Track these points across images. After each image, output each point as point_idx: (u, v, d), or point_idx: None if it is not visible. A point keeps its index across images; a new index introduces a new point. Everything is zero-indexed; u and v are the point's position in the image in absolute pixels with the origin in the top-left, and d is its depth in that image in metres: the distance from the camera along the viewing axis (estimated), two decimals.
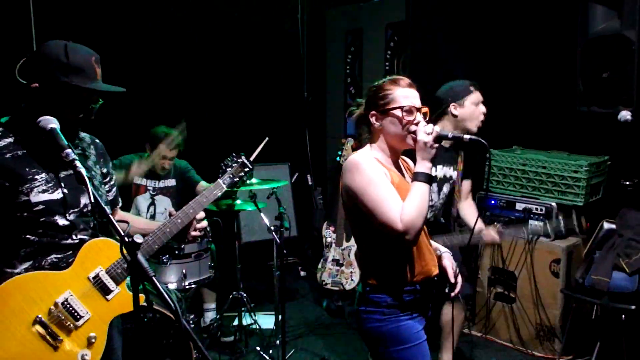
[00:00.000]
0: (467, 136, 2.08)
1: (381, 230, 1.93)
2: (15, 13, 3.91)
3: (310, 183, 5.74)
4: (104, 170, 2.12)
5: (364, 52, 5.17)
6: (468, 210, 3.26)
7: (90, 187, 1.58)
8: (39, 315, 1.82)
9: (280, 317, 3.59)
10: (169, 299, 1.48)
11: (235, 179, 2.30)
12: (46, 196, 1.87)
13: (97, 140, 2.15)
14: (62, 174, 1.92)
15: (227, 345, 3.86)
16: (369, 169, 1.96)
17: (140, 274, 1.50)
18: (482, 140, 2.03)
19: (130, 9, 4.58)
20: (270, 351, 3.74)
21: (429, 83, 3.15)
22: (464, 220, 3.28)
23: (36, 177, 1.86)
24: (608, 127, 3.33)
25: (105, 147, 2.19)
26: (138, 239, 1.51)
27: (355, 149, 4.57)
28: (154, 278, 1.50)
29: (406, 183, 2.06)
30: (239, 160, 2.32)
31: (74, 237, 1.93)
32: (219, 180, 2.27)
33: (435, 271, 2.13)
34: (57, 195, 1.89)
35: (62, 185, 1.91)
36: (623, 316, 3.23)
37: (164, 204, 3.87)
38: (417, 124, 2.01)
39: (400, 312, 2.02)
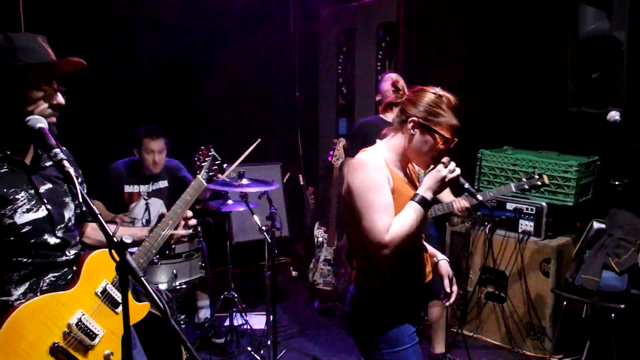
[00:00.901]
0: (480, 197, 2.11)
1: (362, 235, 1.91)
2: (5, 14, 3.88)
3: (302, 183, 5.74)
4: (79, 180, 2.01)
5: (355, 52, 5.17)
6: (444, 194, 3.31)
7: (79, 187, 1.56)
8: (56, 342, 1.75)
9: (271, 317, 3.58)
10: (157, 300, 1.47)
11: (210, 174, 2.33)
12: (31, 215, 1.78)
13: (64, 148, 2.00)
14: (42, 189, 1.84)
15: (219, 346, 3.85)
16: (372, 173, 1.92)
17: (129, 274, 1.49)
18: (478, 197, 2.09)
19: (119, 8, 4.56)
20: (262, 351, 3.74)
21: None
22: (439, 199, 3.35)
23: (17, 196, 1.76)
24: (598, 128, 3.35)
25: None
26: (127, 239, 1.50)
27: (347, 149, 4.59)
28: (143, 279, 1.49)
29: (408, 188, 2.03)
30: (210, 154, 2.34)
31: (67, 253, 1.88)
32: (198, 176, 2.29)
33: (429, 276, 2.12)
34: (42, 212, 1.81)
35: (45, 201, 1.83)
36: (613, 315, 3.25)
37: (157, 206, 3.85)
38: (447, 162, 1.97)
39: (394, 315, 2.01)
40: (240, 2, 5.28)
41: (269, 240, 3.52)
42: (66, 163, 1.60)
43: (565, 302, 3.54)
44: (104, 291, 1.89)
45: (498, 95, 4.29)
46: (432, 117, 1.96)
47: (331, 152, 4.70)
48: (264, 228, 3.52)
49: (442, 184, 1.95)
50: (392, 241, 1.86)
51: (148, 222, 3.84)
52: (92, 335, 1.83)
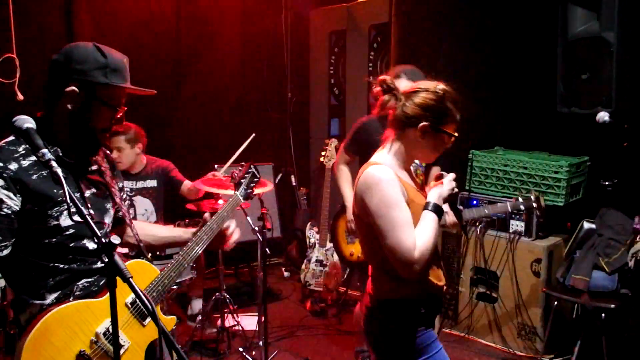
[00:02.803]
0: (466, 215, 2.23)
1: (388, 254, 1.86)
2: None
3: (294, 183, 5.73)
4: (120, 185, 2.03)
5: (347, 53, 5.18)
6: None
7: (66, 187, 1.54)
8: (82, 350, 1.71)
9: (263, 318, 3.57)
10: (146, 301, 1.46)
11: (249, 191, 2.32)
12: (76, 219, 1.72)
13: (108, 152, 2.05)
14: (87, 193, 1.84)
15: (210, 346, 3.84)
16: (389, 189, 1.86)
17: (117, 275, 1.48)
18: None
19: (112, 6, 4.55)
20: (253, 352, 3.73)
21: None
22: None
23: (63, 198, 1.73)
24: (588, 128, 3.37)
25: None
26: (115, 240, 1.49)
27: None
28: (130, 279, 1.48)
29: (419, 195, 2.00)
30: (250, 171, 2.34)
31: (103, 259, 1.87)
32: (236, 192, 2.27)
33: (444, 283, 2.07)
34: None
35: (89, 205, 1.82)
36: (603, 315, 3.27)
37: (144, 205, 3.83)
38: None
39: (418, 323, 1.97)
40: (231, 3, 5.27)
41: (261, 241, 3.51)
42: (54, 163, 1.59)
43: (556, 302, 3.56)
44: (134, 302, 1.85)
45: (489, 96, 4.30)
46: (440, 119, 1.93)
47: (323, 153, 4.70)
48: (255, 229, 3.50)
49: (449, 196, 1.98)
50: (422, 257, 1.83)
51: (134, 219, 3.81)
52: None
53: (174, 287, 3.56)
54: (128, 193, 3.79)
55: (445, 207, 2.46)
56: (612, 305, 3.26)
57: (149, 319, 1.86)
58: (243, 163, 2.35)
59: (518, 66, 4.19)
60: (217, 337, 3.83)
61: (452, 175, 2.03)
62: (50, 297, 1.76)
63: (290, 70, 5.79)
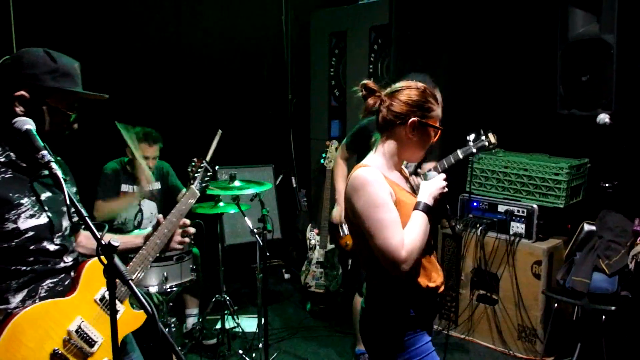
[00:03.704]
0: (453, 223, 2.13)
1: (377, 254, 1.87)
2: None
3: (294, 185, 5.73)
4: (74, 190, 2.04)
5: (348, 55, 5.17)
6: None
7: (66, 189, 1.55)
8: (56, 348, 1.74)
9: (263, 320, 3.57)
10: (145, 303, 1.46)
11: (204, 184, 2.35)
12: (34, 221, 1.78)
13: (59, 158, 2.01)
14: (43, 197, 1.84)
15: (210, 349, 3.84)
16: (375, 191, 1.88)
17: (117, 277, 1.48)
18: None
19: (110, 9, 4.55)
20: (253, 354, 3.73)
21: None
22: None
23: (21, 201, 1.76)
24: (588, 130, 3.37)
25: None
26: (115, 242, 1.49)
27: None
28: (130, 282, 1.48)
29: (408, 196, 2.01)
30: (202, 166, 2.36)
31: (65, 259, 1.88)
32: (192, 187, 2.30)
33: (442, 286, 2.07)
34: (44, 219, 1.81)
35: (46, 208, 1.83)
36: (603, 317, 3.27)
37: (150, 208, 3.84)
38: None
39: (411, 327, 1.97)
40: (232, 4, 5.28)
41: (261, 243, 3.51)
42: (54, 165, 1.60)
43: (556, 304, 3.56)
44: (103, 298, 1.88)
45: (489, 98, 4.31)
46: (426, 112, 1.97)
47: (324, 155, 4.71)
48: (255, 230, 3.51)
49: (440, 196, 1.98)
50: (410, 256, 1.84)
51: (140, 224, 3.82)
52: (91, 342, 1.82)
53: (175, 288, 3.56)
54: (139, 198, 3.79)
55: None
56: (613, 308, 3.25)
57: (119, 314, 1.89)
58: (195, 159, 2.38)
59: (518, 68, 4.19)
60: (217, 339, 3.83)
61: (442, 175, 2.04)
62: (15, 301, 1.76)
63: (291, 71, 5.79)
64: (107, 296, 1.88)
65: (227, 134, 5.28)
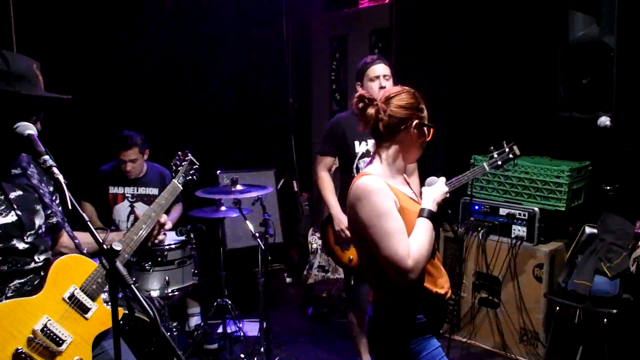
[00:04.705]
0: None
1: (383, 263, 1.86)
2: None
3: (296, 189, 5.73)
4: (50, 189, 2.02)
5: (348, 59, 5.19)
6: (414, 187, 3.26)
7: (68, 194, 1.55)
8: (19, 348, 1.73)
9: (265, 324, 3.57)
10: (147, 307, 1.46)
11: (188, 177, 2.32)
12: (1, 220, 1.78)
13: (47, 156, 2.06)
14: (12, 195, 1.84)
15: (211, 353, 3.84)
16: (380, 199, 1.87)
17: (119, 282, 1.49)
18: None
19: (110, 9, 4.57)
20: (255, 358, 3.72)
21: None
22: None
23: None
24: (589, 133, 3.37)
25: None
26: (117, 246, 1.49)
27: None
28: (132, 286, 1.48)
29: (412, 203, 2.00)
30: (187, 159, 2.33)
31: (36, 259, 1.87)
32: (174, 180, 2.28)
33: (449, 291, 2.06)
34: (12, 217, 1.80)
35: (15, 207, 1.82)
36: (605, 320, 3.26)
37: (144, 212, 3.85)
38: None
39: (421, 333, 1.97)
40: (233, 9, 5.29)
41: (263, 247, 3.51)
42: (55, 170, 1.60)
43: (558, 307, 3.55)
44: (72, 296, 1.87)
45: (490, 100, 4.31)
46: (421, 113, 2.02)
47: None
48: (257, 234, 3.51)
49: (443, 201, 1.99)
50: (417, 264, 1.83)
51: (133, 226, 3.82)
52: (58, 341, 1.81)
53: (176, 293, 3.56)
54: (130, 199, 3.83)
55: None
56: (614, 311, 3.25)
57: (91, 312, 1.87)
58: (179, 152, 2.35)
59: (519, 71, 4.19)
60: (219, 344, 3.82)
61: (442, 179, 2.05)
62: None
63: (292, 75, 5.80)
64: (76, 294, 1.87)
65: (228, 138, 5.31)
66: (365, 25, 4.98)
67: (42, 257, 1.89)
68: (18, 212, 1.82)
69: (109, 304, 1.99)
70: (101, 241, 1.50)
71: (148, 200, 3.87)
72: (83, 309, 1.87)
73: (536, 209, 3.82)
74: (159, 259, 3.50)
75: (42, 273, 1.90)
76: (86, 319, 1.87)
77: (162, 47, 4.93)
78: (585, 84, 3.46)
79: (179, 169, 2.31)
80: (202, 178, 3.68)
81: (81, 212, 1.55)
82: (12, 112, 1.75)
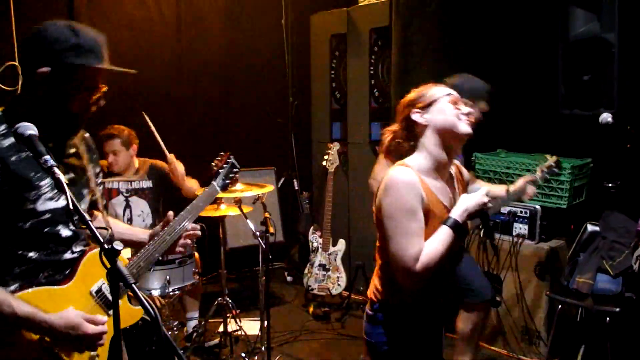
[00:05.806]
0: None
1: (390, 257, 1.84)
2: None
3: (296, 188, 5.72)
4: (97, 170, 1.98)
5: (348, 57, 5.17)
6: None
7: (69, 194, 1.53)
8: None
9: (265, 323, 3.56)
10: (148, 307, 1.45)
11: (227, 181, 2.25)
12: (52, 204, 1.72)
13: (87, 135, 1.95)
14: (64, 178, 1.74)
15: (212, 352, 3.83)
16: (404, 194, 1.81)
17: (120, 281, 1.47)
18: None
19: (110, 10, 4.56)
20: (256, 357, 3.71)
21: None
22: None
23: (41, 182, 1.70)
24: (590, 130, 3.36)
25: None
26: (118, 245, 1.48)
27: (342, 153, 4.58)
28: (134, 285, 1.47)
29: (441, 207, 1.91)
30: (229, 161, 2.27)
31: (74, 249, 1.83)
32: (213, 183, 2.19)
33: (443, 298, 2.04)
34: (62, 202, 1.72)
35: (66, 191, 1.76)
36: (607, 318, 3.25)
37: (140, 206, 3.83)
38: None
39: (413, 332, 1.96)
40: (232, 7, 5.28)
41: (263, 246, 3.50)
42: (56, 170, 1.57)
43: (559, 306, 3.53)
44: (99, 291, 1.83)
45: (491, 98, 4.29)
46: (421, 99, 2.03)
47: (326, 157, 4.71)
48: (258, 233, 3.50)
49: (480, 210, 1.88)
50: (424, 270, 1.79)
51: (130, 220, 3.80)
52: None
53: (177, 292, 3.55)
54: (124, 194, 3.81)
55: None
56: (617, 309, 3.23)
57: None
58: (222, 153, 2.27)
59: (519, 68, 4.18)
60: (220, 342, 3.81)
61: (484, 189, 1.94)
62: (13, 285, 1.71)
63: (292, 74, 5.79)
64: (104, 289, 1.84)
65: (229, 137, 5.31)
66: (364, 23, 4.96)
67: (78, 248, 1.84)
68: (69, 197, 1.76)
69: (133, 303, 1.97)
70: (101, 240, 1.48)
71: (143, 194, 3.86)
72: (107, 305, 1.83)
73: (538, 206, 3.81)
74: (160, 258, 3.48)
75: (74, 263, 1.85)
76: (108, 315, 1.83)
77: (161, 45, 4.92)
78: (586, 80, 3.45)
79: (219, 171, 2.22)
80: (201, 177, 3.69)
81: (83, 213, 1.54)
82: (79, 87, 1.71)
